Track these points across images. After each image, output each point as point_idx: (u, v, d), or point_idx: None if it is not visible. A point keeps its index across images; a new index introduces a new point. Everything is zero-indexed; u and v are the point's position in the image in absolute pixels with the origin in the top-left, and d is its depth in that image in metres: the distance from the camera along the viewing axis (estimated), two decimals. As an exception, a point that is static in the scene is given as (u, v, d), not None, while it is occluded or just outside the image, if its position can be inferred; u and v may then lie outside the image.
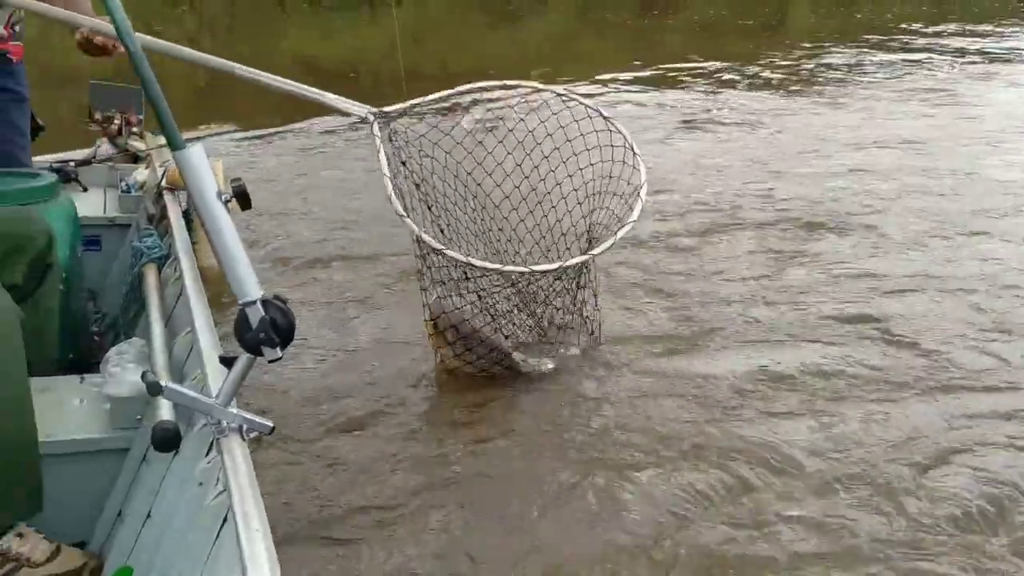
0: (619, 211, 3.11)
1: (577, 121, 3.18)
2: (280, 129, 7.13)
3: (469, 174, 3.24)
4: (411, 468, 2.64)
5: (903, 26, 16.08)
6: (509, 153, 3.27)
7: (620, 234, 2.98)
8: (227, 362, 1.43)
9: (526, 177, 3.29)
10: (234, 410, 1.41)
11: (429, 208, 3.09)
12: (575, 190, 3.29)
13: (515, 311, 3.26)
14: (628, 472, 2.63)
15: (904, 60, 11.90)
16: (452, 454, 2.73)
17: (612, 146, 3.15)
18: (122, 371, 1.86)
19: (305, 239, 4.61)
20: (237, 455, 1.34)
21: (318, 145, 6.83)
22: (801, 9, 22.05)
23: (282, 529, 2.26)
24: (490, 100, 3.54)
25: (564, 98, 3.14)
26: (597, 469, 2.65)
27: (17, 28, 2.72)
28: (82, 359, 2.38)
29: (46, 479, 1.67)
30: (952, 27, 15.92)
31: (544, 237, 3.39)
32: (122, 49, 2.34)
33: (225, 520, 1.30)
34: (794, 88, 9.87)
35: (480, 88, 3.07)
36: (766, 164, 6.42)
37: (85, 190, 3.10)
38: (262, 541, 1.13)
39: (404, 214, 2.73)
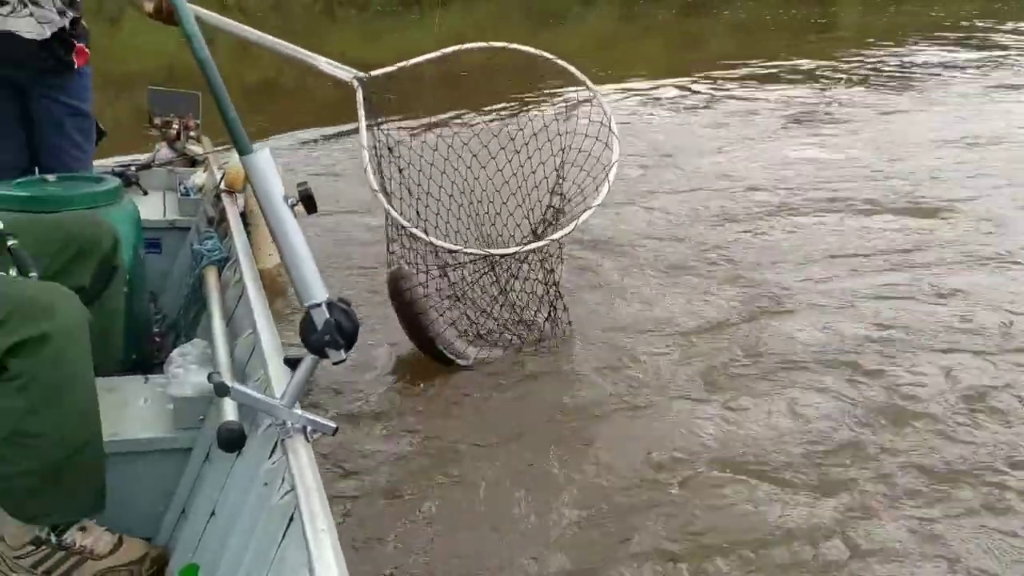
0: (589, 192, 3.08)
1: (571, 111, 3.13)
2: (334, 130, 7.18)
3: (458, 158, 3.25)
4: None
5: (976, 23, 15.88)
6: (495, 136, 3.29)
7: (581, 219, 2.91)
8: (291, 363, 1.45)
9: (508, 162, 3.31)
10: (298, 411, 1.43)
11: (409, 192, 3.09)
12: (555, 170, 3.26)
13: (484, 298, 3.25)
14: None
15: (986, 57, 11.80)
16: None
17: (592, 122, 3.12)
18: (185, 372, 1.90)
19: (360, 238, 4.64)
20: (302, 456, 1.36)
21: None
22: (851, 8, 21.75)
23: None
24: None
25: (547, 61, 3.11)
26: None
27: (79, 25, 2.72)
28: (144, 359, 2.43)
29: (111, 478, 1.71)
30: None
31: (522, 222, 3.38)
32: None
33: (291, 520, 1.32)
34: (885, 84, 9.92)
35: (466, 49, 3.07)
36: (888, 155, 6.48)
37: (146, 193, 3.16)
38: (329, 541, 1.14)
39: (377, 189, 2.74)
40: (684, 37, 17.25)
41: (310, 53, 2.75)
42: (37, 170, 2.71)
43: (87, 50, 2.75)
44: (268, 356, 1.70)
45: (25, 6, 2.55)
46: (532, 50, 3.08)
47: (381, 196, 2.77)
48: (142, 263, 2.53)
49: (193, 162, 3.40)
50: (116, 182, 2.41)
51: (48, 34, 2.59)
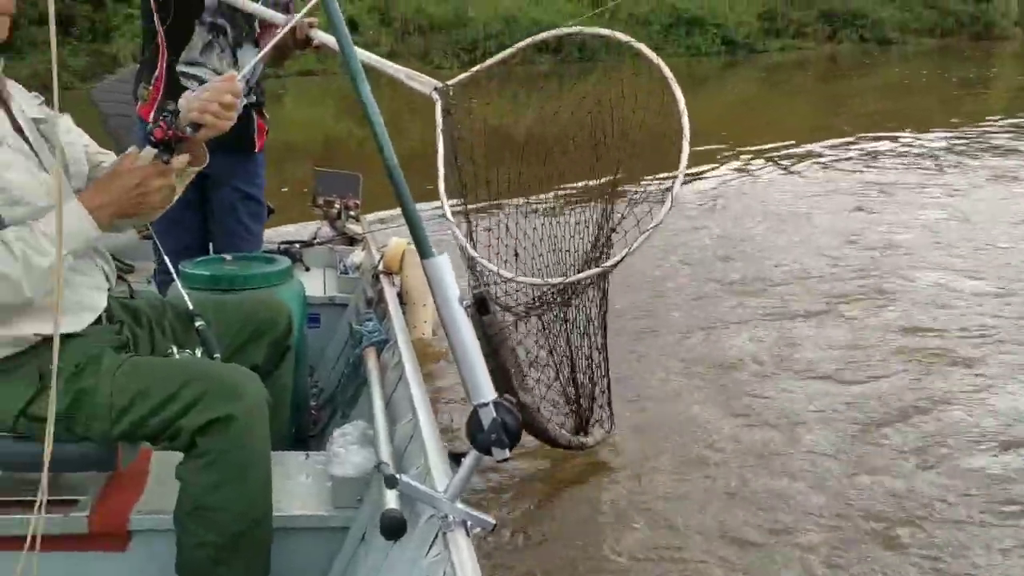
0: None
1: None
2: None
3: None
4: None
5: None
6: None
7: (636, 245, 2.31)
8: (455, 458, 1.50)
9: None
10: (460, 505, 1.46)
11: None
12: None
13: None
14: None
15: None
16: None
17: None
18: (346, 452, 1.97)
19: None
20: (464, 551, 1.39)
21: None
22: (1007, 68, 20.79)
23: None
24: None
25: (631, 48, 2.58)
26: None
27: (257, 91, 2.84)
28: (301, 432, 2.54)
29: (271, 551, 1.79)
30: None
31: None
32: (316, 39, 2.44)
33: None
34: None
35: (542, 39, 2.68)
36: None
37: (308, 269, 3.35)
38: None
39: (452, 219, 2.36)
40: (829, 99, 16.90)
41: (391, 64, 2.54)
42: (212, 249, 2.91)
43: (265, 135, 2.90)
44: (428, 445, 1.75)
45: None
46: (605, 31, 2.67)
47: (456, 230, 2.39)
48: (304, 338, 2.66)
49: (352, 240, 3.58)
50: (287, 263, 2.57)
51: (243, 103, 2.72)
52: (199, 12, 2.66)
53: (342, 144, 11.91)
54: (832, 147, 9.82)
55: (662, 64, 2.45)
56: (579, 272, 2.51)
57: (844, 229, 6.28)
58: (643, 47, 2.57)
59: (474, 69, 2.58)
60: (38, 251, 1.49)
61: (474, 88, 2.62)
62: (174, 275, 2.28)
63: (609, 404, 3.01)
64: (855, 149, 9.76)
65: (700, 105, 16.29)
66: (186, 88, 2.72)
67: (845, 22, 34.23)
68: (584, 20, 30.63)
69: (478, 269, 2.37)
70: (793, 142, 10.06)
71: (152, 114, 2.74)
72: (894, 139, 10.28)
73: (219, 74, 2.71)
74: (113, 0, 23.29)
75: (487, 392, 1.42)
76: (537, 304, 2.60)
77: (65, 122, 1.79)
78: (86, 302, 1.71)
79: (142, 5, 2.75)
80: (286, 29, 1.99)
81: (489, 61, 2.62)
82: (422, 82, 2.47)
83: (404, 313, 2.63)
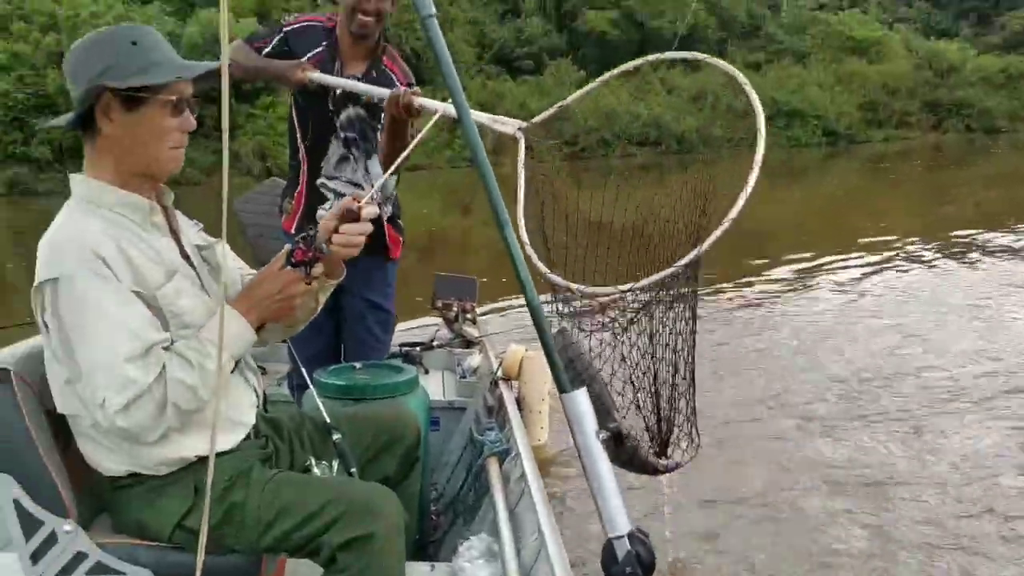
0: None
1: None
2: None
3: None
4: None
5: None
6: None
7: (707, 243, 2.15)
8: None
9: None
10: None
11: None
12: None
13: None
14: None
15: None
16: None
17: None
18: (472, 567, 2.02)
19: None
20: None
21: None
22: None
23: None
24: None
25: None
26: None
27: (388, 202, 2.92)
28: (422, 537, 2.59)
29: None
30: None
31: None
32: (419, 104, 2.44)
33: None
34: None
35: (635, 66, 2.52)
36: None
37: (427, 372, 3.45)
38: None
39: (547, 270, 2.14)
40: (935, 191, 16.50)
41: (475, 112, 2.40)
42: (343, 354, 3.04)
43: (399, 248, 3.01)
44: (556, 565, 1.77)
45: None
46: (690, 54, 2.47)
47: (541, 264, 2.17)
48: (427, 444, 2.74)
49: (469, 343, 3.68)
50: (413, 372, 2.67)
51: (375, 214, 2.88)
52: (334, 129, 2.87)
53: (448, 238, 12.28)
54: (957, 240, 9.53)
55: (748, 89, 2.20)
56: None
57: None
58: (736, 72, 2.29)
59: (556, 106, 2.54)
60: (208, 356, 1.60)
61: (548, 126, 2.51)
62: (309, 384, 2.40)
63: (695, 425, 2.85)
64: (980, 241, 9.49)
65: (816, 196, 16.10)
66: (326, 199, 2.92)
67: (950, 111, 33.59)
68: (683, 112, 31.05)
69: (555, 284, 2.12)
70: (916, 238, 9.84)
71: (293, 227, 2.95)
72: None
73: (354, 185, 2.89)
74: (237, 101, 25.03)
75: (622, 525, 1.45)
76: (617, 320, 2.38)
77: (222, 248, 1.94)
78: (240, 419, 1.82)
79: (289, 126, 2.97)
80: (391, 93, 2.06)
81: (572, 96, 2.58)
82: (505, 123, 2.44)
83: (521, 419, 2.68)
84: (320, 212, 2.88)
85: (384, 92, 2.60)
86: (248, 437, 1.85)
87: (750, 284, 7.88)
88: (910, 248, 9.38)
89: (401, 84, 2.82)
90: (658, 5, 34.40)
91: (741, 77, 2.22)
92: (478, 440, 2.59)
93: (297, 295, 1.71)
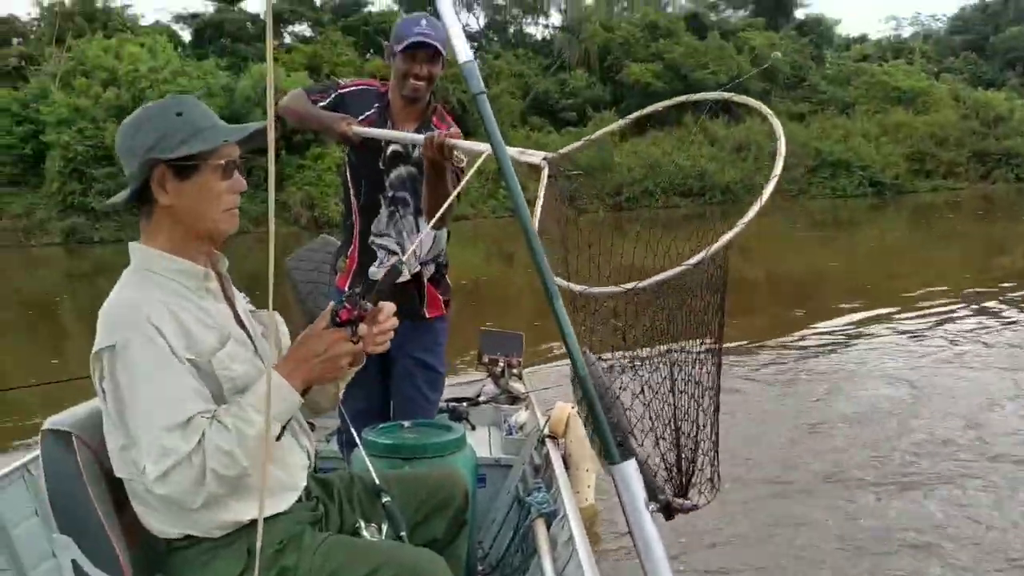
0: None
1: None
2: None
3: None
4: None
5: None
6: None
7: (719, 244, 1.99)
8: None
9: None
10: None
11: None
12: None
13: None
14: None
15: None
16: None
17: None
18: (522, 632, 2.01)
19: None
20: None
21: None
22: None
23: None
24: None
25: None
26: None
27: (434, 259, 2.95)
28: (468, 597, 2.58)
29: None
30: None
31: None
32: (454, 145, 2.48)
33: None
34: None
35: (665, 106, 2.60)
36: None
37: (473, 428, 3.46)
38: None
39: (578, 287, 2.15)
40: (987, 242, 16.21)
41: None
42: (391, 412, 3.05)
43: (444, 304, 2.99)
44: None
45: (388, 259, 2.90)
46: (716, 95, 2.47)
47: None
48: (474, 503, 2.74)
49: (515, 399, 3.69)
50: (461, 431, 2.68)
51: (407, 276, 2.82)
52: (384, 188, 2.93)
53: (494, 286, 12.35)
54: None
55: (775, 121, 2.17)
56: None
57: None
58: (764, 108, 2.25)
59: (584, 139, 2.64)
60: (247, 422, 1.60)
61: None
62: (358, 443, 2.42)
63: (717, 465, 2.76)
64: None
65: (866, 246, 15.90)
66: (376, 256, 2.97)
67: (999, 161, 33.14)
68: (725, 163, 31.04)
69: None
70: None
71: (347, 285, 3.00)
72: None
73: (402, 245, 2.93)
74: (287, 152, 25.65)
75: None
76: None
77: (274, 316, 1.95)
78: (291, 482, 1.84)
79: (343, 185, 3.03)
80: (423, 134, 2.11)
81: (599, 132, 2.73)
82: (534, 155, 2.54)
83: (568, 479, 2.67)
84: (372, 269, 2.93)
85: (419, 138, 2.67)
86: (300, 499, 1.86)
87: (801, 337, 7.80)
88: (966, 300, 9.20)
89: None
90: (701, 57, 34.69)
91: (754, 103, 2.25)
92: (525, 501, 2.58)
93: (343, 355, 1.70)
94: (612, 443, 1.51)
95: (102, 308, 1.62)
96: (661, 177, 29.88)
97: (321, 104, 2.91)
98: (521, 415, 3.41)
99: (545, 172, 2.55)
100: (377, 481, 2.06)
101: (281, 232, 26.87)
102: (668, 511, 1.48)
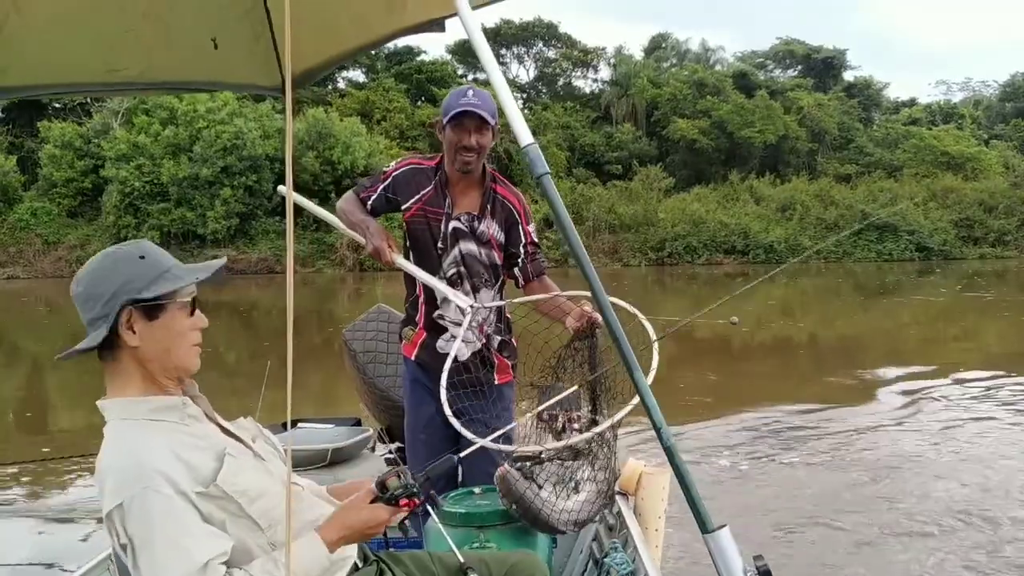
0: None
1: None
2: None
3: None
4: None
5: None
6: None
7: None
8: None
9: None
10: None
11: None
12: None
13: None
14: None
15: None
16: None
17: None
18: None
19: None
20: None
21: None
22: None
23: None
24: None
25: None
26: None
27: (500, 327, 2.93)
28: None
29: None
30: None
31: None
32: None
33: None
34: None
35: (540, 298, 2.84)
36: None
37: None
38: None
39: (452, 416, 2.60)
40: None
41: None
42: (460, 480, 3.05)
43: (511, 368, 2.97)
44: None
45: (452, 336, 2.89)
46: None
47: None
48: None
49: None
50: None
51: (467, 355, 2.85)
52: (440, 266, 2.95)
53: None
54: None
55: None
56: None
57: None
58: (640, 316, 2.54)
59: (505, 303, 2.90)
60: None
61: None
62: (432, 515, 2.40)
63: None
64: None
65: (915, 312, 15.66)
66: (445, 329, 2.97)
67: (1050, 229, 32.66)
68: (770, 222, 30.76)
69: None
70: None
71: (413, 355, 3.01)
72: None
73: (456, 323, 2.94)
74: (336, 195, 26.08)
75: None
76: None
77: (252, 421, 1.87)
78: (338, 555, 1.74)
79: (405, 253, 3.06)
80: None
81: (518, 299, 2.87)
82: (461, 299, 2.77)
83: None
84: (439, 343, 2.95)
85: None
86: (356, 567, 1.80)
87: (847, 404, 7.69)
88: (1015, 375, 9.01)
89: (518, 210, 2.93)
90: (748, 115, 34.84)
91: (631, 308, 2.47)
92: (604, 562, 2.58)
93: (384, 524, 1.70)
94: (705, 511, 1.53)
95: (100, 467, 1.57)
96: (704, 234, 29.91)
97: (372, 199, 2.91)
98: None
99: (467, 319, 2.77)
100: (461, 559, 2.04)
101: (327, 274, 27.37)
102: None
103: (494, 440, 2.93)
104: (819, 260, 30.01)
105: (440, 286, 2.80)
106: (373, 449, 4.05)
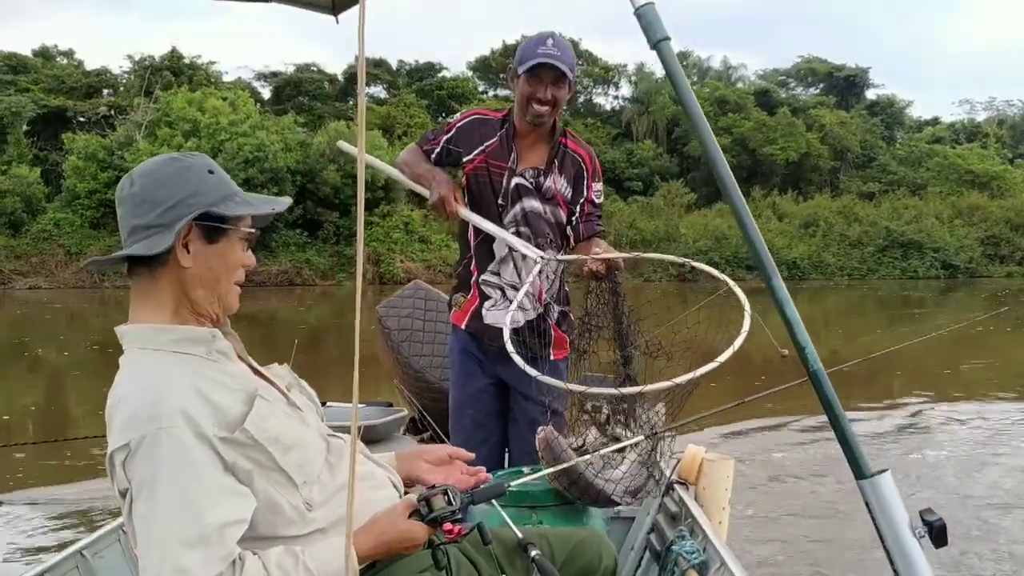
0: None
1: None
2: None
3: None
4: None
5: None
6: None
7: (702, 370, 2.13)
8: None
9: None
10: None
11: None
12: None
13: None
14: None
15: None
16: None
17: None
18: None
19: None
20: None
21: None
22: None
23: None
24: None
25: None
26: None
27: (558, 297, 2.78)
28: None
29: None
30: None
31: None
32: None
33: None
34: None
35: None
36: None
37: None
38: None
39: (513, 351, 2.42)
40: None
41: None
42: (508, 461, 2.86)
43: (569, 343, 2.79)
44: None
45: (505, 299, 2.73)
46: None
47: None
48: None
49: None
50: (591, 475, 2.49)
51: (521, 322, 2.68)
52: (500, 224, 2.74)
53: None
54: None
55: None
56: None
57: None
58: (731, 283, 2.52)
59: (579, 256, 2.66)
60: None
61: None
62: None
63: None
64: None
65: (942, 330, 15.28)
66: (488, 297, 2.78)
67: (1077, 248, 32.27)
68: (792, 238, 30.66)
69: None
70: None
71: (464, 323, 2.82)
72: None
73: (513, 286, 2.75)
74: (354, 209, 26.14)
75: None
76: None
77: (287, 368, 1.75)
78: None
79: (460, 227, 2.86)
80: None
81: (601, 255, 2.62)
82: (532, 250, 2.65)
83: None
84: (483, 310, 2.77)
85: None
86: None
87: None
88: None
89: (587, 166, 2.75)
90: (770, 133, 34.63)
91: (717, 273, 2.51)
92: (672, 551, 2.36)
93: (419, 541, 1.48)
94: (860, 454, 1.31)
95: (111, 400, 1.36)
96: (727, 250, 29.62)
97: (436, 152, 2.74)
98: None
99: (537, 268, 2.66)
100: (520, 535, 1.85)
101: (346, 287, 27.19)
102: (941, 535, 1.25)
103: (550, 405, 2.75)
104: (843, 275, 29.69)
105: (508, 236, 2.63)
106: (405, 432, 3.88)
